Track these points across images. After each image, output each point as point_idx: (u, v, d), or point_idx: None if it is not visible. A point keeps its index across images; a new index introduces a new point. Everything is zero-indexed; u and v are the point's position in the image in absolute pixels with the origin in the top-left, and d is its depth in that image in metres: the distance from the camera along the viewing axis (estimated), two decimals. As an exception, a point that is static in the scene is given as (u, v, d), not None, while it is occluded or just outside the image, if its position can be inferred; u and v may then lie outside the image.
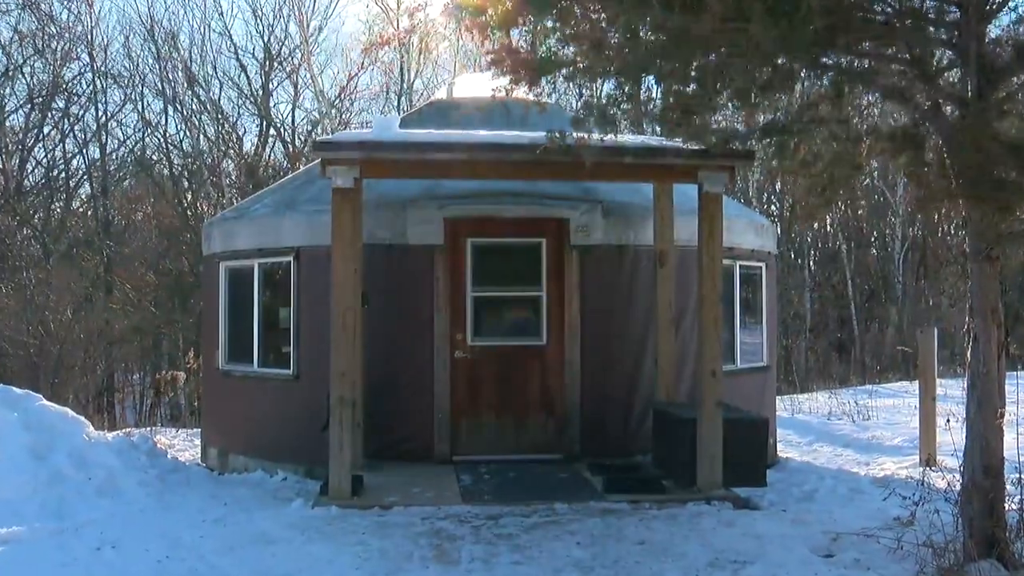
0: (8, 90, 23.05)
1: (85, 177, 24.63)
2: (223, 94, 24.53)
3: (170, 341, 21.89)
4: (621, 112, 5.53)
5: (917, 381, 9.78)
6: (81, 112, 24.03)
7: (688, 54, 4.99)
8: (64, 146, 24.14)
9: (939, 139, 5.22)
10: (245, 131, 25.53)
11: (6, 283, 19.18)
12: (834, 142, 5.35)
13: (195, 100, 23.94)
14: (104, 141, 24.06)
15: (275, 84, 25.13)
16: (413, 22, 23.41)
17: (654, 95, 5.56)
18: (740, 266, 9.42)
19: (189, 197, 23.91)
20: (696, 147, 6.78)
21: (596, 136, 5.81)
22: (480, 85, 10.73)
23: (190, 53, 24.31)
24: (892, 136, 5.26)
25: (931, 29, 5.22)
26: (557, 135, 5.98)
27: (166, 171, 24.33)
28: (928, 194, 5.37)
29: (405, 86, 25.11)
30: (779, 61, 4.89)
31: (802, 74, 5.15)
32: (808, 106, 5.32)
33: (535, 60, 5.33)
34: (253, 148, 24.81)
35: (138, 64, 24.24)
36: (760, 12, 4.39)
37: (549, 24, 5.43)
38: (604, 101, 5.52)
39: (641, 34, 5.03)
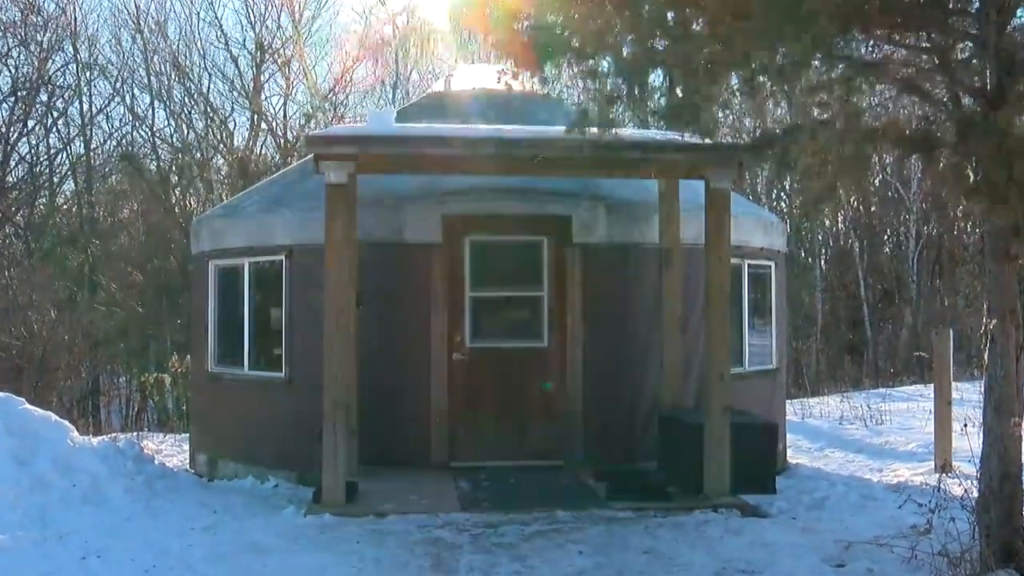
0: (-10, 82, 23.09)
1: (69, 173, 24.65)
2: (212, 87, 24.57)
3: (157, 343, 21.89)
4: (624, 108, 5.53)
5: (932, 384, 9.77)
6: (66, 106, 24.08)
7: (691, 47, 4.99)
8: (48, 141, 24.18)
9: (957, 133, 5.21)
10: (236, 125, 25.54)
11: (-12, 282, 19.18)
12: (842, 143, 5.34)
13: (184, 93, 23.97)
14: (89, 136, 24.11)
15: (267, 77, 25.16)
16: (407, 27, 23.54)
17: (659, 87, 5.56)
18: (748, 265, 9.42)
19: (177, 193, 23.92)
20: (702, 142, 6.77)
21: (596, 131, 5.82)
22: (479, 77, 10.74)
23: (179, 44, 24.35)
24: (901, 138, 5.26)
25: (951, 19, 5.22)
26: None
27: (153, 167, 24.34)
28: (947, 189, 5.37)
29: (401, 79, 25.14)
30: (789, 51, 4.89)
31: (814, 63, 5.14)
32: (816, 88, 5.31)
33: (537, 46, 5.33)
34: (244, 143, 24.82)
35: (125, 56, 24.28)
36: (762, 7, 4.39)
37: (551, 18, 5.44)
38: (604, 99, 5.52)
39: (643, 24, 5.04)
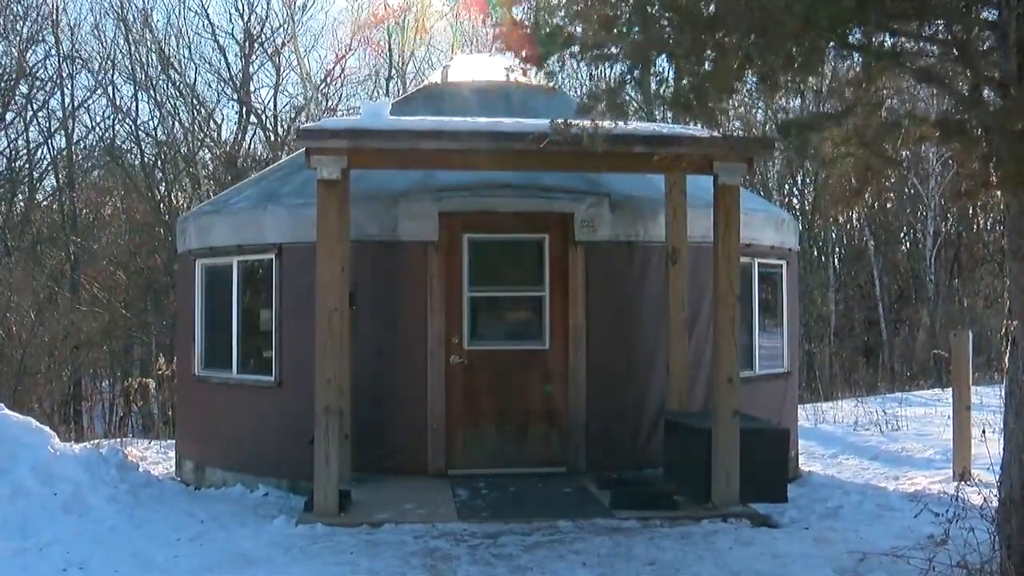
0: (-33, 74, 23.10)
1: (50, 168, 24.66)
2: (199, 78, 24.61)
3: (142, 345, 21.90)
4: (631, 98, 5.53)
5: (950, 388, 9.78)
6: (46, 98, 24.08)
7: (703, 33, 4.99)
8: (28, 135, 24.18)
9: (979, 126, 5.22)
10: (223, 119, 25.56)
11: (-36, 282, 19.17)
12: (864, 132, 5.34)
13: (169, 85, 23.98)
14: (71, 129, 24.10)
15: (256, 67, 25.18)
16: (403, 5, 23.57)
17: (667, 76, 5.56)
18: (759, 264, 9.42)
19: (162, 189, 23.92)
20: (711, 135, 6.77)
21: (605, 124, 5.81)
22: (478, 68, 10.75)
23: (164, 34, 24.36)
24: (941, 122, 5.24)
25: (971, 6, 5.21)
26: (562, 124, 5.96)
27: (137, 161, 24.34)
28: (967, 185, 5.37)
29: (397, 69, 25.14)
30: (804, 40, 4.88)
31: (830, 54, 5.14)
32: (834, 84, 5.31)
33: (540, 37, 5.33)
34: (232, 136, 24.83)
35: (108, 47, 24.29)
36: None
37: (554, 1, 5.44)
38: (613, 85, 5.52)
39: (652, 11, 5.03)
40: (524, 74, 5.85)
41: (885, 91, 5.49)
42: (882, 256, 24.60)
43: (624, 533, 6.77)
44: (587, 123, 5.93)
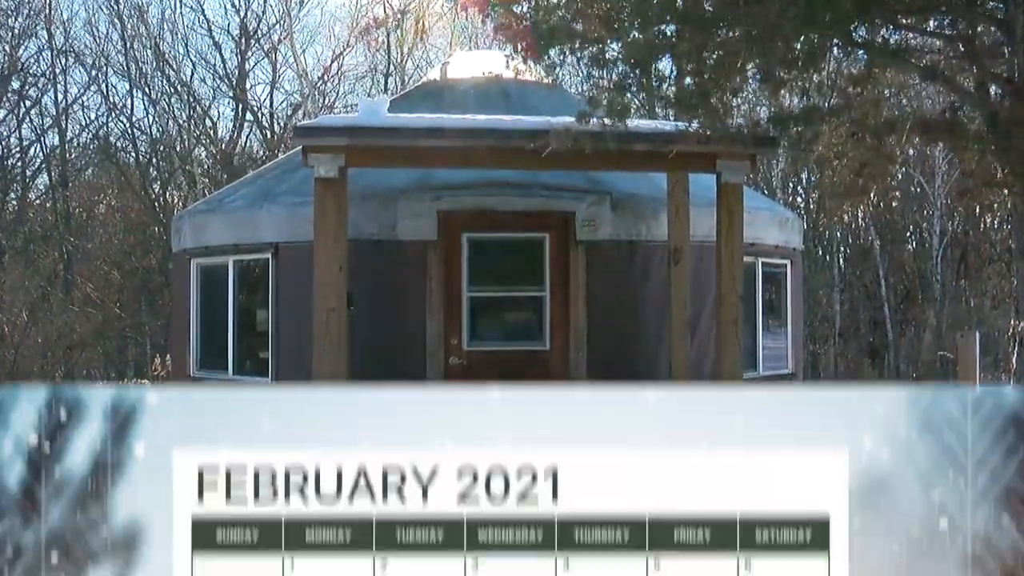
0: (-41, 70, 23.10)
1: (43, 166, 24.66)
2: (195, 75, 24.58)
3: (137, 346, 21.91)
4: (632, 97, 5.56)
5: (957, 390, 9.77)
6: (39, 95, 24.07)
7: (704, 32, 5.01)
8: (20, 132, 24.18)
9: (983, 124, 5.23)
10: (219, 116, 25.56)
11: (-44, 282, 19.18)
12: (863, 130, 5.35)
13: (164, 81, 23.97)
14: (64, 127, 24.08)
15: (252, 64, 25.16)
16: (406, 3, 23.59)
17: (668, 75, 5.58)
18: (762, 263, 9.42)
19: (157, 188, 23.92)
20: (714, 133, 6.78)
21: (608, 122, 5.83)
22: (477, 65, 10.74)
23: (159, 29, 24.34)
24: (927, 126, 5.27)
25: (977, 2, 5.23)
26: (563, 132, 5.98)
27: (132, 159, 24.34)
28: (972, 183, 5.39)
29: (395, 66, 25.13)
30: (805, 37, 4.90)
31: (834, 50, 5.15)
32: (835, 81, 5.33)
33: (540, 31, 5.35)
34: (228, 134, 24.83)
35: (102, 42, 24.28)
36: None
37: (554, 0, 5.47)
38: (613, 87, 5.55)
39: (650, 13, 5.06)
40: (524, 62, 5.87)
41: (888, 90, 5.51)
42: (888, 255, 24.55)
43: (626, 536, 6.76)
44: (592, 122, 5.94)
